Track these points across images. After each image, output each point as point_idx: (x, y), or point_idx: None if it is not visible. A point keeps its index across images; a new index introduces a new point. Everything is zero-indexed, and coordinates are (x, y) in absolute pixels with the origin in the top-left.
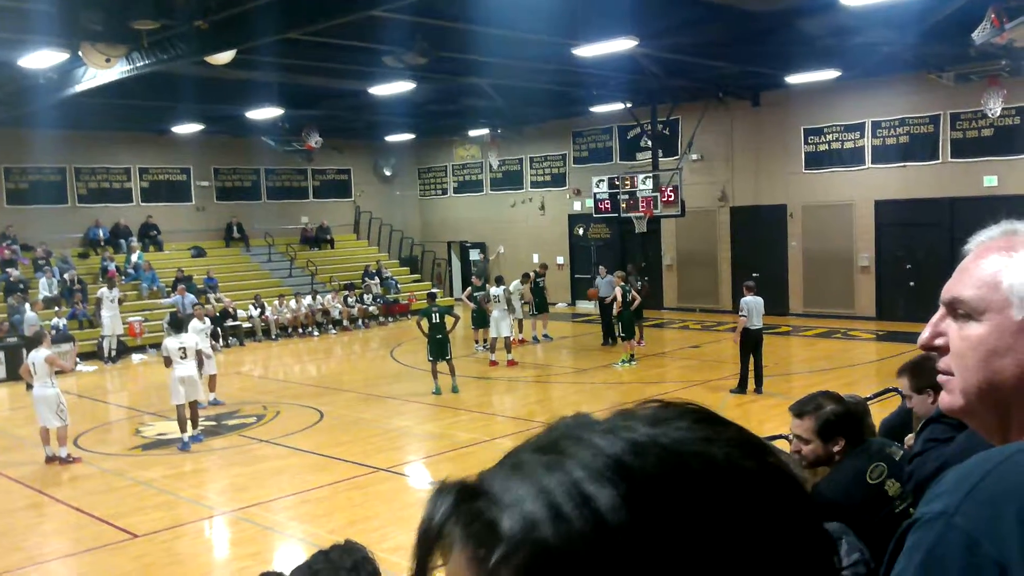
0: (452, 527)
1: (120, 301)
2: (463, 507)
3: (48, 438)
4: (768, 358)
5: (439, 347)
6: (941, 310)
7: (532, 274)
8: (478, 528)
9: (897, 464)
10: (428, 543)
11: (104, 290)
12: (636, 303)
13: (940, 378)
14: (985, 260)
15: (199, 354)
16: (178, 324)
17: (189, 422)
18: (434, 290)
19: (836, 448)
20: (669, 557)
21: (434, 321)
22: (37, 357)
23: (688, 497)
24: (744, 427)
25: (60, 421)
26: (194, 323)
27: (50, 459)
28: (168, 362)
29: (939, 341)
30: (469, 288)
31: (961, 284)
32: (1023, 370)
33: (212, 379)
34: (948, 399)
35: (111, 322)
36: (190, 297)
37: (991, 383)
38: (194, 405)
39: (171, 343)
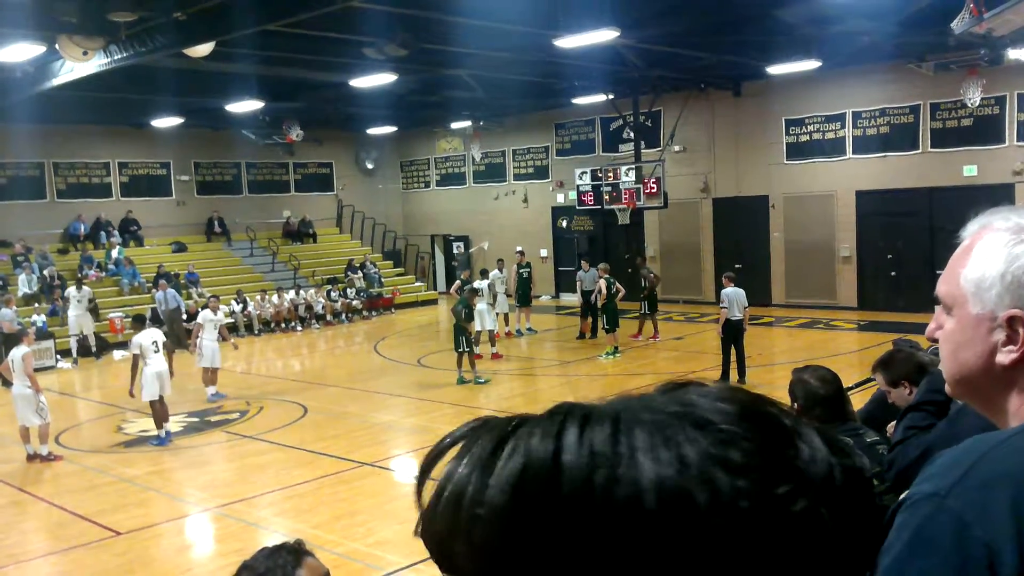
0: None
1: (91, 300)
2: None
3: (28, 436)
4: (750, 348)
5: (460, 336)
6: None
7: (518, 264)
8: None
9: (868, 447)
10: (436, 455)
11: (72, 289)
12: (620, 295)
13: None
14: (956, 255)
15: (166, 347)
16: (142, 319)
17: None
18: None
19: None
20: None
21: (459, 313)
22: (16, 354)
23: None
24: (789, 434)
25: (40, 419)
26: (206, 314)
27: (31, 457)
28: (137, 359)
29: (938, 333)
30: (458, 282)
31: (941, 280)
32: (984, 361)
33: (215, 372)
34: (946, 386)
35: (76, 321)
36: (171, 292)
37: (961, 374)
38: (163, 400)
39: (143, 338)
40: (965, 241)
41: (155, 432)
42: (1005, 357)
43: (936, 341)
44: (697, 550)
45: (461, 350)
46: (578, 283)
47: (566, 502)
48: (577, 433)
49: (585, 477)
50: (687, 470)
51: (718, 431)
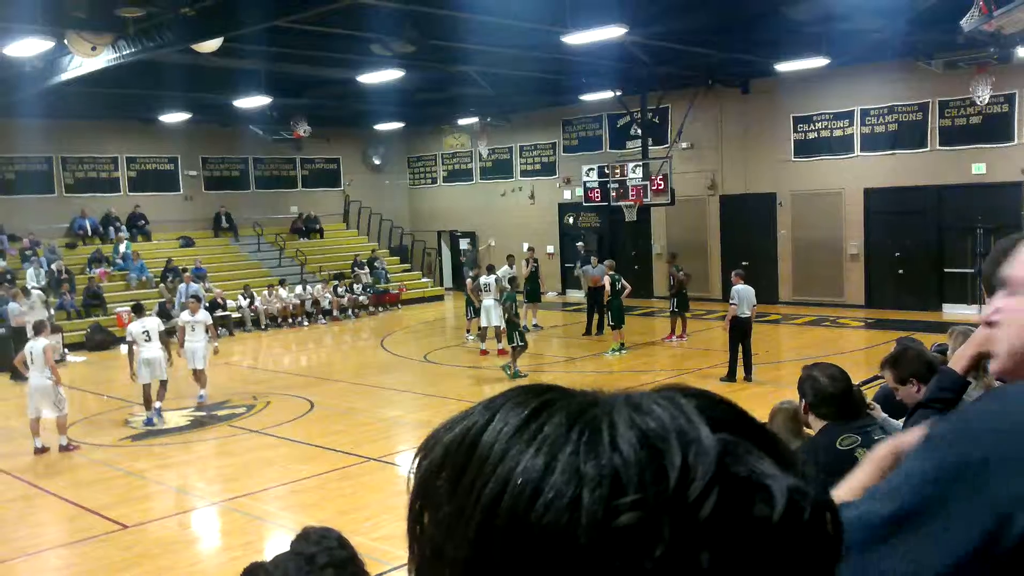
0: None
1: (45, 302)
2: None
3: (38, 429)
4: (758, 346)
5: (513, 329)
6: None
7: (527, 260)
8: None
9: (873, 440)
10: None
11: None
12: (627, 292)
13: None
14: None
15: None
16: (139, 308)
17: (156, 399)
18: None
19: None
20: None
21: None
22: (36, 347)
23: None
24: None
25: (58, 411)
26: (184, 315)
27: (39, 450)
28: (131, 345)
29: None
30: (470, 280)
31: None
32: None
33: (199, 373)
34: (994, 364)
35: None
36: (194, 286)
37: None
38: (163, 384)
39: (135, 327)
40: None
41: (146, 413)
42: None
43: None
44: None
45: (515, 344)
46: (582, 279)
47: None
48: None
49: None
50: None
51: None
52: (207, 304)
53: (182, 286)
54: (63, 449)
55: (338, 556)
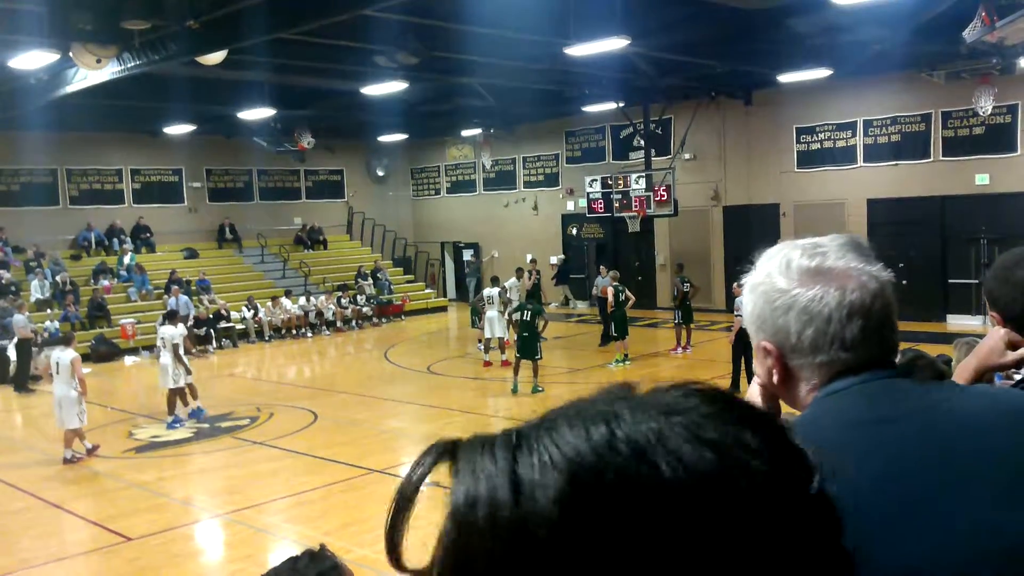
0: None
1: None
2: (440, 468)
3: (71, 439)
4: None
5: (526, 345)
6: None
7: (530, 272)
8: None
9: None
10: (403, 500)
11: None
12: (630, 303)
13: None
14: None
15: (175, 348)
16: (171, 315)
17: (181, 403)
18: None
19: None
20: (595, 565)
21: (524, 319)
22: (63, 358)
23: (639, 509)
24: (773, 425)
25: (80, 422)
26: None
27: (68, 461)
28: (159, 351)
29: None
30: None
31: None
32: None
33: (174, 392)
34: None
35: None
36: (183, 299)
37: None
38: (172, 392)
39: (159, 333)
40: None
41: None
42: None
43: None
44: (740, 530)
45: (537, 357)
46: (594, 289)
47: (618, 500)
48: (607, 432)
49: (633, 471)
50: (720, 455)
51: (726, 421)
52: (211, 316)
53: (170, 300)
54: (89, 452)
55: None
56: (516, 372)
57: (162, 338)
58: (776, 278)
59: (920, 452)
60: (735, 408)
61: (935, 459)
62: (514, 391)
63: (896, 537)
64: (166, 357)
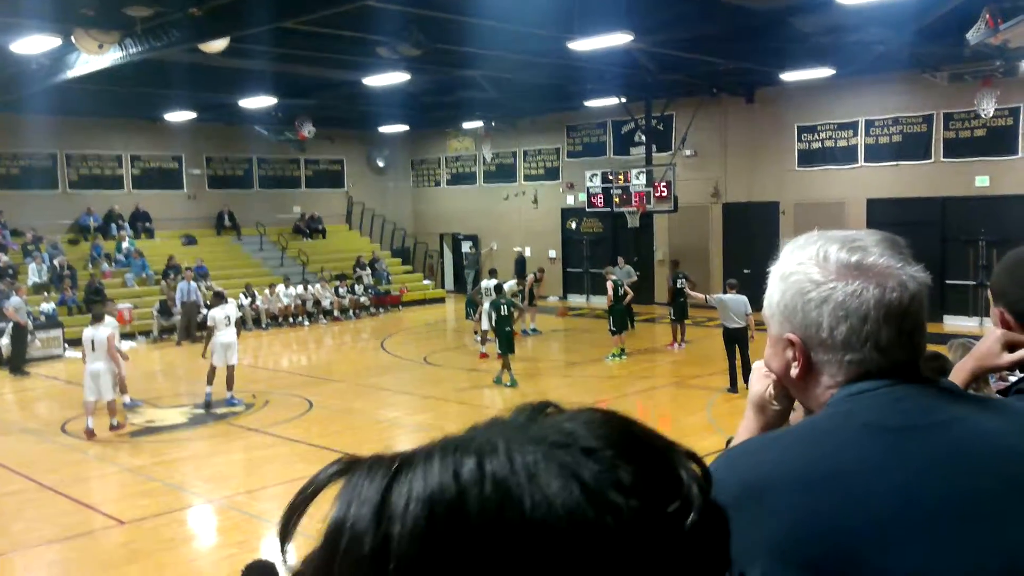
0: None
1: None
2: (335, 480)
3: (94, 411)
4: (756, 355)
5: (508, 340)
6: None
7: (531, 277)
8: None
9: None
10: (299, 503)
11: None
12: (628, 298)
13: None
14: None
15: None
16: (220, 295)
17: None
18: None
19: None
20: None
21: (503, 314)
22: (98, 334)
23: (494, 547)
24: (659, 458)
25: (114, 394)
26: (108, 320)
27: (114, 428)
28: (212, 329)
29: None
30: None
31: None
32: None
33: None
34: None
35: None
36: (193, 285)
37: None
38: (231, 369)
39: (217, 312)
40: None
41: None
42: None
43: None
44: (604, 568)
45: (503, 352)
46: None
47: (477, 536)
48: (475, 466)
49: (495, 507)
50: (589, 493)
51: (604, 457)
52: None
53: (182, 284)
54: (113, 428)
55: None
56: (507, 367)
57: (227, 316)
58: (811, 269)
59: (946, 465)
60: (622, 440)
61: (962, 474)
62: (512, 385)
63: (914, 550)
64: (229, 335)
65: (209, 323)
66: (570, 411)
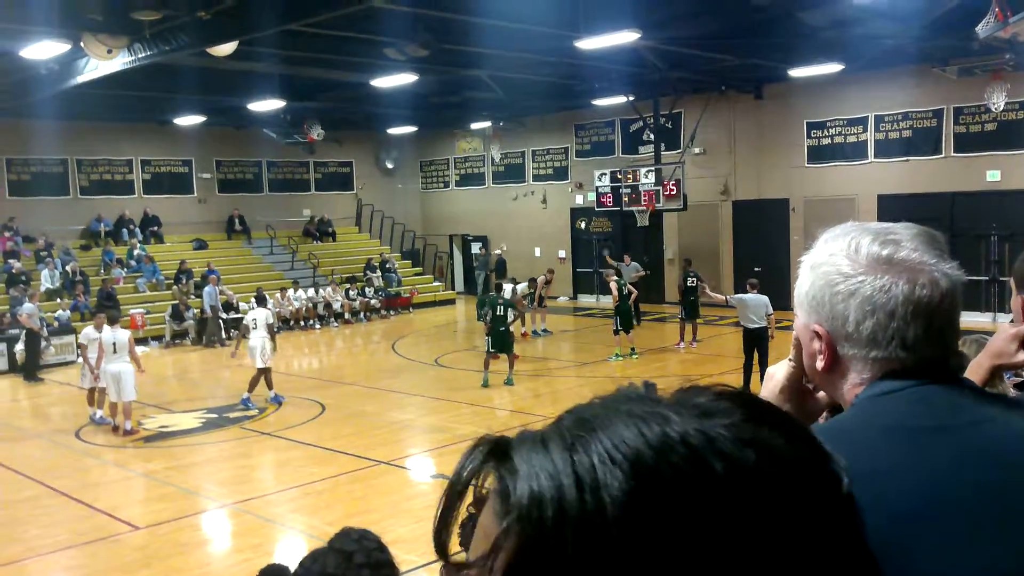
0: (481, 481)
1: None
2: (491, 465)
3: (129, 411)
4: (771, 352)
5: (500, 339)
6: None
7: (541, 279)
8: (501, 489)
9: None
10: (454, 496)
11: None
12: (633, 297)
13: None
14: None
15: (269, 328)
16: (260, 299)
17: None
18: (499, 281)
19: None
20: (661, 561)
21: (498, 314)
22: (119, 337)
23: (698, 505)
24: (807, 431)
25: (135, 394)
26: (88, 331)
27: (128, 432)
28: (246, 329)
29: None
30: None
31: None
32: None
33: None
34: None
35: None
36: (213, 289)
37: None
38: (267, 372)
39: (249, 316)
40: None
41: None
42: None
43: None
44: (792, 527)
45: (494, 351)
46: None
47: (675, 497)
48: (661, 432)
49: (691, 470)
50: (761, 454)
51: (756, 426)
52: (221, 306)
53: (208, 288)
54: (128, 433)
55: (376, 558)
56: (487, 367)
57: (254, 319)
58: (841, 261)
59: (976, 466)
60: (764, 412)
61: (992, 474)
62: (484, 385)
63: (941, 551)
64: (257, 338)
65: (246, 322)
66: (682, 388)
